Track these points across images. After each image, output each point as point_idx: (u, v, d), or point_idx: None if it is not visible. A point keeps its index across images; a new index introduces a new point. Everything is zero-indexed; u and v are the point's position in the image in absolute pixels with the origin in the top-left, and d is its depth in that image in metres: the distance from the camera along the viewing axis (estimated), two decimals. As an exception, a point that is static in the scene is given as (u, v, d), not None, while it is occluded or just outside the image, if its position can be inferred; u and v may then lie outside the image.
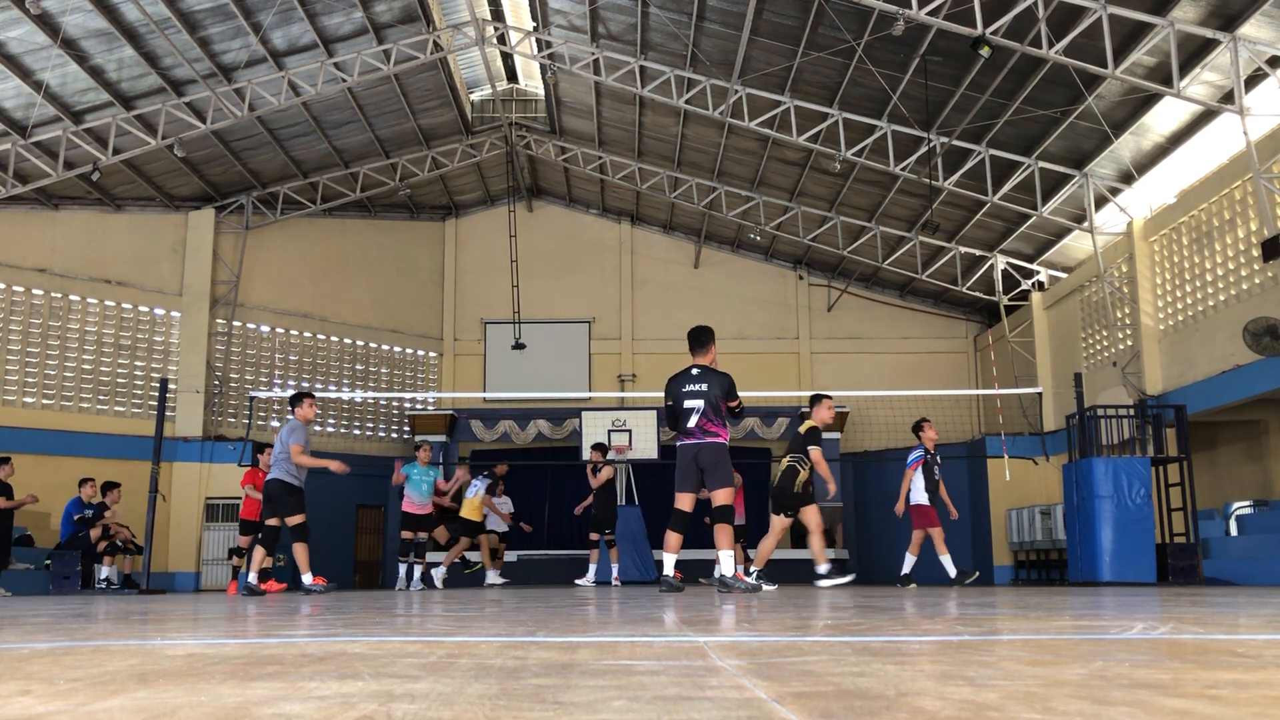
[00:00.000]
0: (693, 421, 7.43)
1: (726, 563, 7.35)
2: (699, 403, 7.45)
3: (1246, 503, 14.04)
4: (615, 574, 14.27)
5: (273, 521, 9.85)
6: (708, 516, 14.00)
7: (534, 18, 16.63)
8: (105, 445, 17.88)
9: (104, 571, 13.43)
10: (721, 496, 7.39)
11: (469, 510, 14.28)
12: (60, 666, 1.97)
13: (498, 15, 17.42)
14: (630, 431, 18.43)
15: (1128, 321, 16.45)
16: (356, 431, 21.68)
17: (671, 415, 7.64)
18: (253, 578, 9.85)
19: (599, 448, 14.33)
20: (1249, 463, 15.13)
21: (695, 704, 1.34)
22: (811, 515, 9.42)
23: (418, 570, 13.91)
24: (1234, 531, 13.64)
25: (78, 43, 14.13)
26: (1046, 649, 2.20)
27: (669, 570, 7.47)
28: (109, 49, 14.45)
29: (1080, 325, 18.15)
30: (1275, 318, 12.55)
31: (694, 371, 7.62)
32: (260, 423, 19.83)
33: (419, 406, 22.11)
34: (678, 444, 7.58)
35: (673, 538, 7.52)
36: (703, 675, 1.69)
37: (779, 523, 9.55)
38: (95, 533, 13.39)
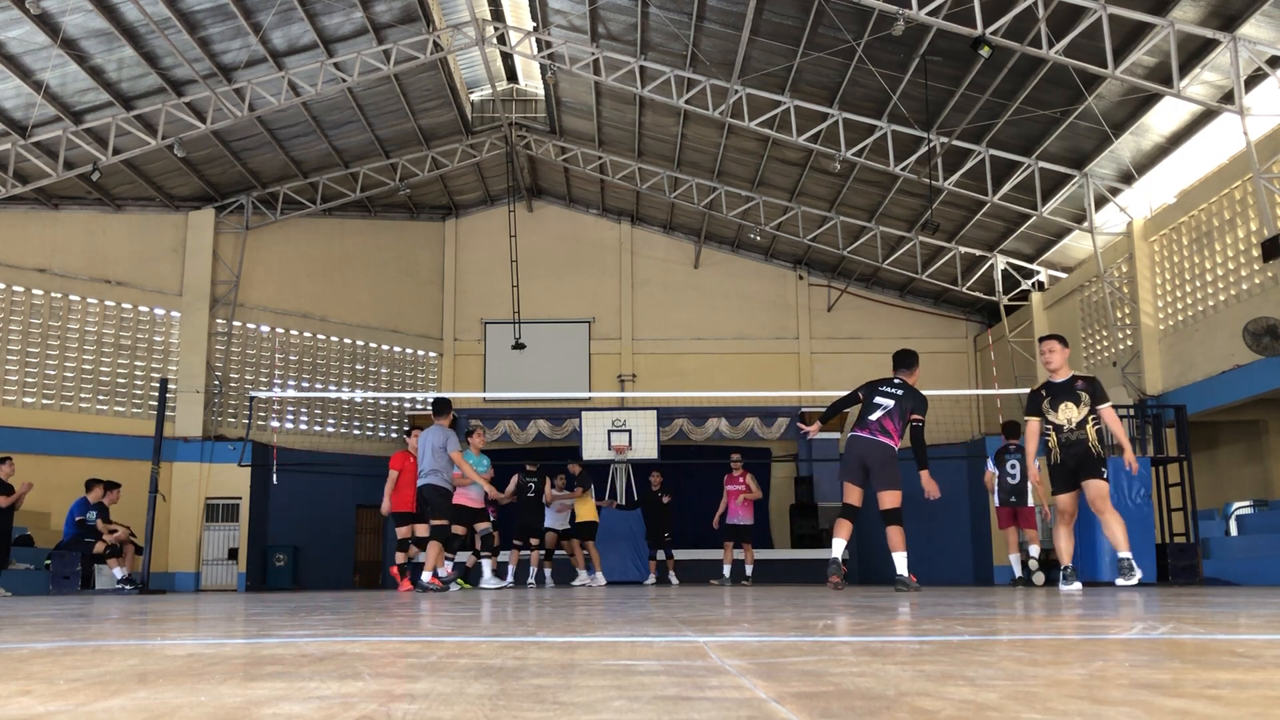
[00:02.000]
0: (875, 415, 7.72)
1: (900, 563, 7.49)
2: (890, 403, 7.79)
3: (1246, 503, 14.05)
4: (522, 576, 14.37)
5: (439, 520, 10.19)
6: (716, 520, 14.01)
7: (534, 18, 16.63)
8: (105, 445, 17.88)
9: (118, 573, 13.40)
10: (890, 499, 7.64)
11: (589, 512, 14.18)
12: (60, 666, 1.97)
13: (498, 15, 17.42)
14: (630, 431, 18.41)
15: (1128, 321, 16.45)
16: (356, 431, 21.68)
17: (840, 404, 8.01)
18: (426, 576, 9.87)
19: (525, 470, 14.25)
20: (1249, 463, 15.13)
21: (695, 704, 1.34)
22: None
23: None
24: (1234, 531, 13.65)
25: (78, 43, 14.13)
26: (1046, 649, 2.20)
27: (837, 554, 7.74)
28: (109, 49, 14.45)
29: (1080, 325, 18.15)
30: (1275, 318, 12.55)
31: (895, 381, 7.96)
32: (260, 423, 19.83)
33: (419, 406, 22.11)
34: (851, 433, 7.87)
35: (844, 525, 7.87)
36: (703, 675, 1.69)
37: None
38: (100, 546, 13.33)
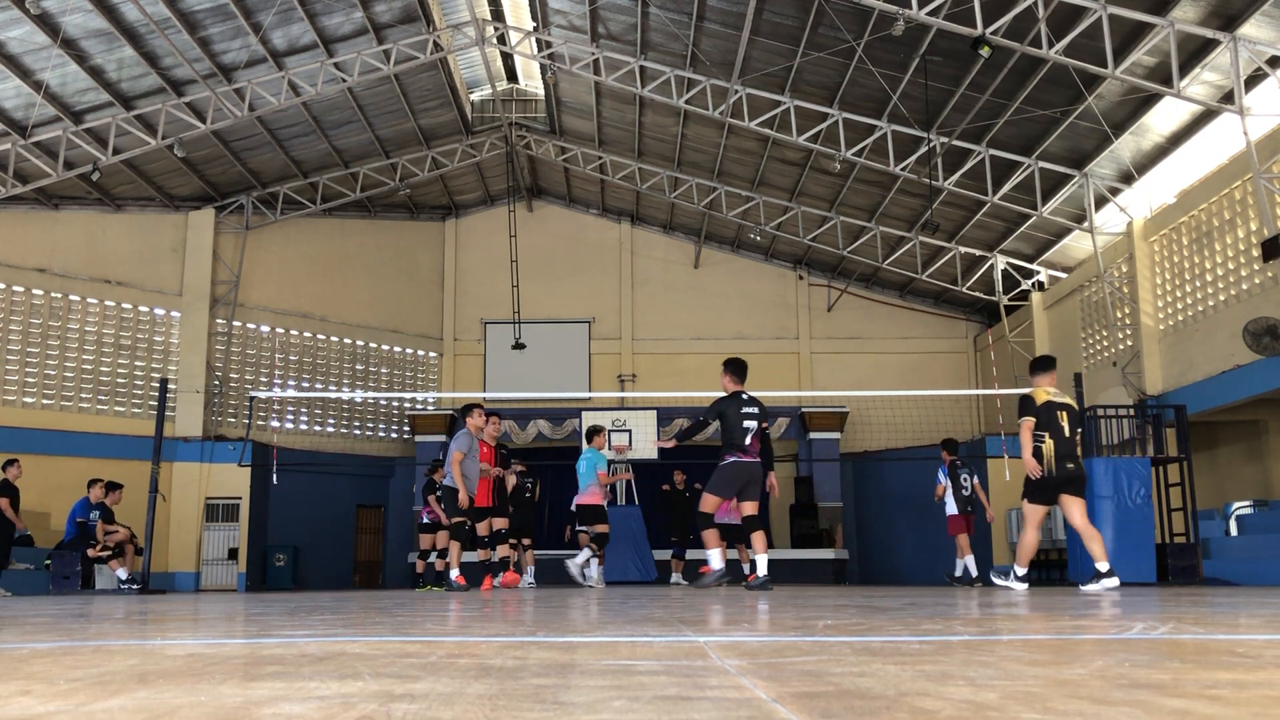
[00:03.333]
0: (748, 439, 8.07)
1: (762, 565, 7.99)
2: (753, 424, 8.13)
3: (1246, 503, 14.04)
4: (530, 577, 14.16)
5: (457, 519, 10.43)
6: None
7: (534, 18, 16.63)
8: (105, 445, 17.88)
9: (121, 574, 13.38)
10: (755, 507, 8.28)
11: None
12: (60, 666, 1.97)
13: (498, 15, 17.42)
14: (630, 431, 18.42)
15: (1128, 321, 16.45)
16: (356, 431, 21.68)
17: (695, 429, 8.28)
18: (454, 574, 10.09)
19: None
20: (1249, 463, 15.13)
21: (695, 704, 1.34)
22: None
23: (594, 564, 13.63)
24: (1234, 531, 13.64)
25: (78, 43, 14.13)
26: (1046, 649, 2.20)
27: (763, 571, 7.97)
28: (109, 49, 14.45)
29: (1080, 325, 18.15)
30: (1275, 318, 12.55)
31: (745, 396, 8.25)
32: (260, 423, 19.83)
33: (419, 406, 22.11)
34: (732, 459, 8.08)
35: (711, 535, 8.28)
36: (703, 675, 1.69)
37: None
38: (94, 551, 13.29)
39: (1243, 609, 4.20)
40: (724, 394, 8.29)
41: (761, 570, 7.93)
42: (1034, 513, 8.12)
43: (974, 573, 12.70)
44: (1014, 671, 1.71)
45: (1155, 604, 4.85)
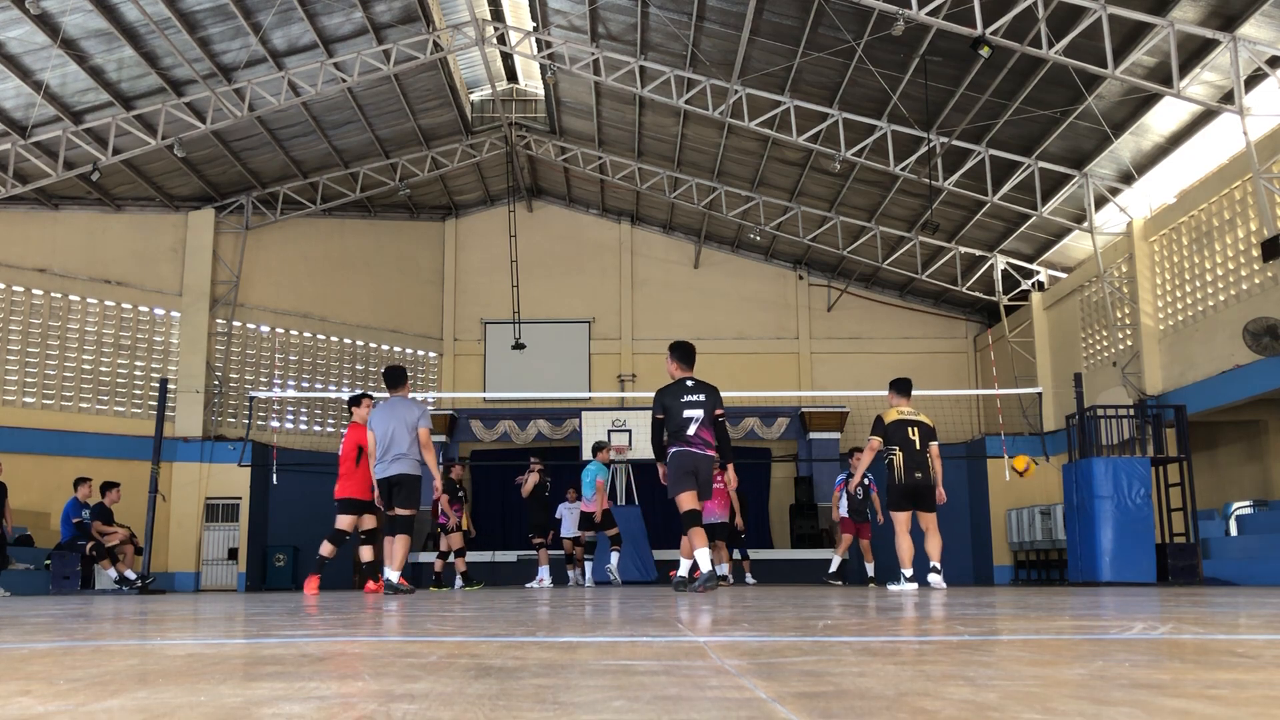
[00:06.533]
0: (691, 430, 7.48)
1: (704, 560, 7.32)
2: (699, 413, 7.54)
3: (1246, 503, 14.04)
4: (541, 576, 14.39)
5: (407, 511, 9.08)
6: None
7: (534, 18, 16.63)
8: (105, 445, 17.88)
9: (112, 574, 13.37)
10: (695, 502, 7.54)
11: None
12: (60, 666, 1.97)
13: (498, 15, 17.42)
14: (630, 432, 18.41)
15: (1128, 321, 16.45)
16: (356, 431, 21.66)
17: (659, 427, 7.62)
18: (395, 575, 8.83)
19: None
20: (1249, 463, 15.13)
21: (695, 704, 1.34)
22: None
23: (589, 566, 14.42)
24: (1234, 531, 13.64)
25: (78, 43, 14.13)
26: (1046, 649, 2.20)
27: (706, 565, 7.33)
28: (109, 49, 14.45)
29: (1080, 325, 18.15)
30: (1275, 318, 12.55)
31: (690, 383, 7.65)
32: (260, 423, 19.83)
33: (419, 406, 22.08)
34: (675, 449, 7.51)
35: (699, 534, 7.41)
36: (703, 675, 1.68)
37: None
38: (89, 547, 13.27)
39: (1243, 609, 4.20)
40: (668, 382, 7.71)
41: (705, 566, 7.26)
42: (900, 520, 8.96)
43: (848, 570, 13.43)
44: (1014, 671, 1.71)
45: (1155, 604, 4.85)
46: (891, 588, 9.05)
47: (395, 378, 9.06)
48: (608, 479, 13.98)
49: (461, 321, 23.23)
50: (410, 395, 9.35)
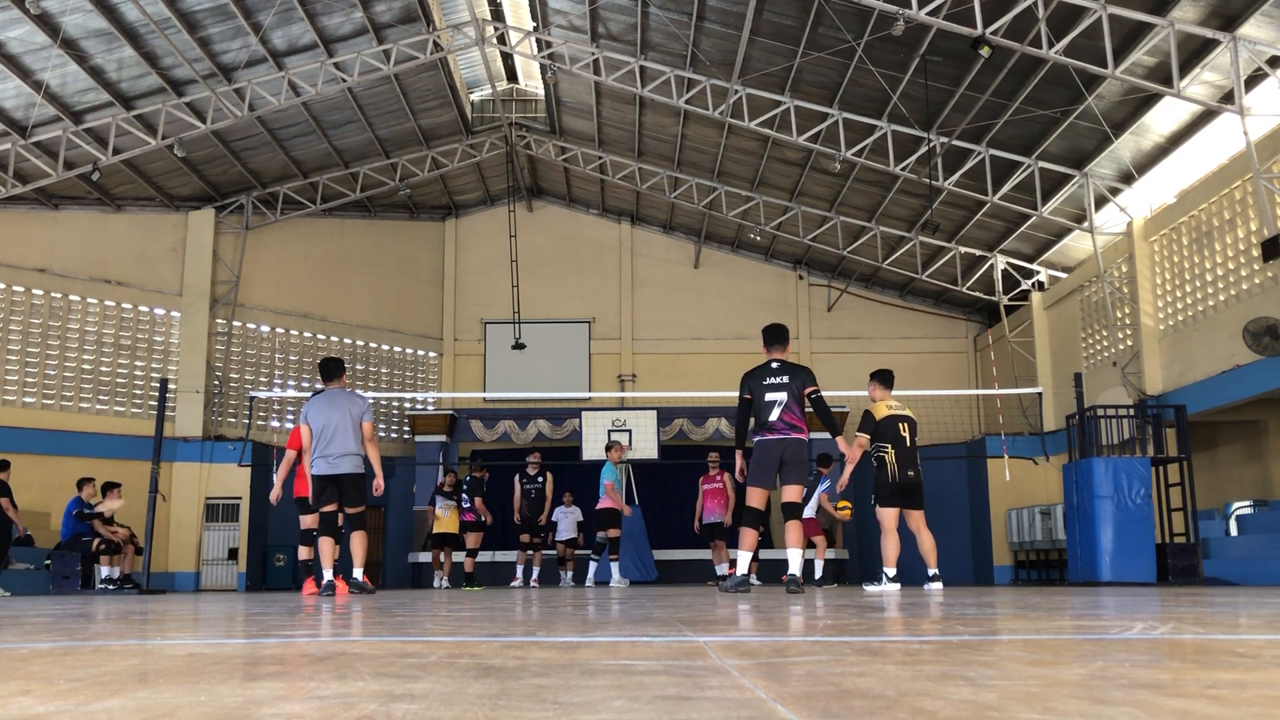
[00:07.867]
0: (774, 415, 7.15)
1: (795, 561, 7.09)
2: (782, 395, 7.18)
3: (1246, 503, 14.04)
4: (531, 576, 14.79)
5: (357, 509, 8.81)
6: (696, 524, 14.15)
7: (534, 18, 16.63)
8: (105, 445, 17.88)
9: (104, 570, 13.39)
10: (796, 493, 7.25)
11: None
12: (60, 666, 1.97)
13: (498, 15, 17.42)
14: (630, 432, 18.42)
15: (1128, 321, 16.45)
16: (356, 431, 21.66)
17: (746, 410, 7.29)
18: (359, 572, 8.59)
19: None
20: (1249, 463, 15.13)
21: (695, 704, 1.34)
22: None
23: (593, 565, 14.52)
24: (1234, 531, 13.64)
25: (78, 43, 14.13)
26: (1046, 649, 2.20)
27: (743, 569, 7.17)
28: (109, 49, 14.45)
29: (1080, 325, 18.15)
30: (1275, 318, 12.55)
31: (774, 365, 7.33)
32: (260, 423, 19.83)
33: (419, 406, 22.10)
34: (758, 439, 7.23)
35: (749, 535, 7.23)
36: (703, 675, 1.69)
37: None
38: (96, 540, 13.31)
39: (1243, 609, 4.20)
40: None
41: (741, 569, 7.14)
42: (888, 517, 8.66)
43: (812, 574, 13.42)
44: (1014, 671, 1.71)
45: (1155, 604, 4.85)
46: (870, 589, 8.56)
47: (331, 369, 8.80)
48: (617, 479, 14.01)
49: (461, 321, 23.23)
50: (348, 388, 9.12)
